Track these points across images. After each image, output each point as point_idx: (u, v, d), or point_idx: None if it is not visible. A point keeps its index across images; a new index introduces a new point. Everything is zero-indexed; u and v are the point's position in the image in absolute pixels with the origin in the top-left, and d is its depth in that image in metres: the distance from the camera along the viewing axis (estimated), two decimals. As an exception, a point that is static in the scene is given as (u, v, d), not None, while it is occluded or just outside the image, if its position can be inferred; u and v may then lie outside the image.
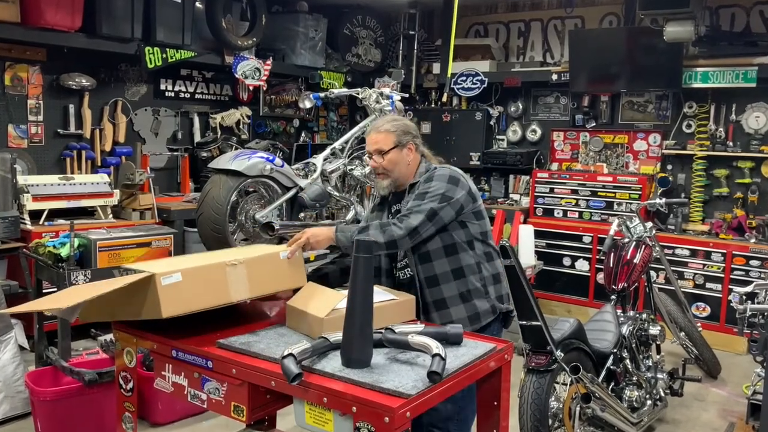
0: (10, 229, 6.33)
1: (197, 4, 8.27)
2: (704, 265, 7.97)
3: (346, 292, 2.94)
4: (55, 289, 5.31)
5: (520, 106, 10.05)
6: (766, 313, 5.24)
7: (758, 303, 5.60)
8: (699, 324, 6.79)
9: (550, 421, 4.40)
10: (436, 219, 3.72)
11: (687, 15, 7.67)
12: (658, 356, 5.70)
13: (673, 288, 6.90)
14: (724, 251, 7.84)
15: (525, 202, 9.55)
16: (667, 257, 7.34)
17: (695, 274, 8.02)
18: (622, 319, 5.38)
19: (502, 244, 4.16)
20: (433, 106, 10.55)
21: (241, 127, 9.24)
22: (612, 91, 9.15)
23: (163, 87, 8.55)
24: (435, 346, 2.82)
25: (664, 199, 6.43)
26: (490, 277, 3.90)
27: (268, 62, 8.90)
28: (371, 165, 3.99)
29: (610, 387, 5.01)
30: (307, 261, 6.07)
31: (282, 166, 5.83)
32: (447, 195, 3.75)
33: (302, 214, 6.10)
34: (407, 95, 7.75)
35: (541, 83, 9.65)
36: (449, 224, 3.77)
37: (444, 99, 10.13)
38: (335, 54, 10.21)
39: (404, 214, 3.75)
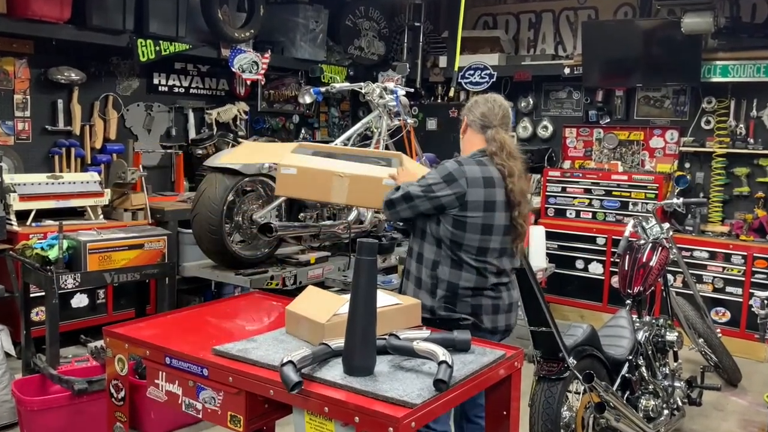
0: (-4, 231, 6.35)
1: (192, -5, 8.28)
2: (724, 268, 7.96)
3: (347, 296, 2.94)
4: (43, 294, 5.33)
5: (531, 102, 10.05)
6: (789, 319, 5.24)
7: (781, 308, 5.60)
8: (718, 330, 6.78)
9: (562, 432, 4.41)
10: (412, 204, 3.92)
11: (706, 6, 7.67)
12: (675, 364, 5.69)
13: (691, 292, 6.89)
14: (745, 253, 7.83)
15: (536, 201, 9.54)
16: (685, 260, 7.33)
17: (714, 277, 8.01)
18: (637, 324, 5.37)
19: (511, 245, 4.16)
20: (439, 101, 10.56)
21: (238, 123, 9.25)
22: (627, 85, 9.14)
23: (156, 81, 8.54)
24: (441, 353, 2.82)
25: (681, 199, 6.43)
26: (444, 282, 3.95)
27: (267, 55, 8.90)
28: None
29: (625, 396, 5.01)
30: (307, 263, 6.07)
31: (281, 164, 5.83)
32: (432, 188, 3.87)
33: (302, 215, 6.10)
34: (412, 90, 7.72)
35: (552, 77, 9.64)
36: (429, 214, 3.93)
37: (451, 94, 10.11)
38: (337, 47, 10.20)
39: (397, 187, 4.07)
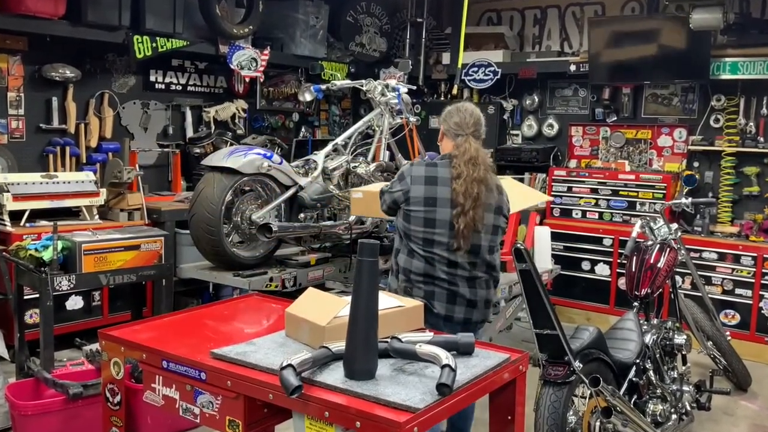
0: (-10, 231, 6.35)
1: (189, -10, 8.28)
2: (733, 269, 7.96)
3: (348, 298, 2.94)
4: (37, 296, 5.33)
5: (536, 99, 10.05)
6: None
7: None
8: (728, 333, 6.78)
9: (568, 437, 4.40)
10: (382, 199, 4.65)
11: (715, 1, 7.67)
12: (683, 367, 5.69)
13: (699, 294, 6.89)
14: (755, 254, 7.83)
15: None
16: (694, 261, 7.33)
17: (724, 279, 8.01)
18: (645, 327, 5.37)
19: (516, 246, 4.17)
20: (442, 99, 10.55)
21: (236, 121, 9.25)
22: (634, 82, 9.14)
23: (152, 78, 8.54)
24: (444, 357, 2.82)
25: (690, 199, 6.42)
26: (402, 268, 4.49)
27: (266, 52, 8.89)
28: None
29: (633, 400, 5.00)
30: (307, 264, 6.08)
31: (280, 163, 5.84)
32: (391, 185, 4.59)
33: (302, 215, 6.11)
34: (415, 87, 7.75)
35: (558, 74, 9.64)
36: (394, 208, 4.55)
37: (454, 91, 10.12)
38: (337, 43, 10.21)
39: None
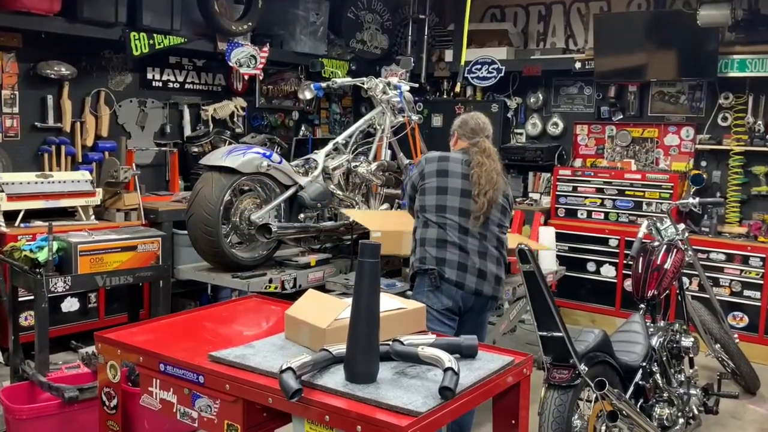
0: (-16, 232, 6.35)
1: (187, -14, 8.28)
2: (742, 270, 7.96)
3: (349, 300, 2.94)
4: (32, 297, 5.33)
5: (541, 97, 10.05)
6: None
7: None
8: (736, 335, 6.77)
9: (573, 442, 4.40)
10: (406, 194, 5.36)
11: (723, -3, 7.67)
12: (691, 370, 5.69)
13: (707, 296, 6.89)
14: (764, 255, 7.83)
15: (546, 201, 9.54)
16: (701, 262, 7.33)
17: (732, 280, 8.01)
18: (651, 329, 5.37)
19: (520, 247, 4.17)
20: (445, 97, 10.55)
21: (235, 119, 9.26)
22: (641, 80, 9.13)
23: (150, 76, 8.56)
24: (447, 360, 2.82)
25: (697, 199, 6.42)
26: (418, 240, 4.97)
27: (265, 49, 8.90)
28: None
29: (639, 404, 5.00)
30: (307, 265, 6.08)
31: (280, 162, 5.84)
32: (410, 175, 5.18)
33: (302, 215, 6.11)
34: (417, 85, 7.75)
35: (563, 72, 9.64)
36: (413, 197, 5.12)
37: (457, 89, 10.10)
38: (338, 40, 10.21)
39: None
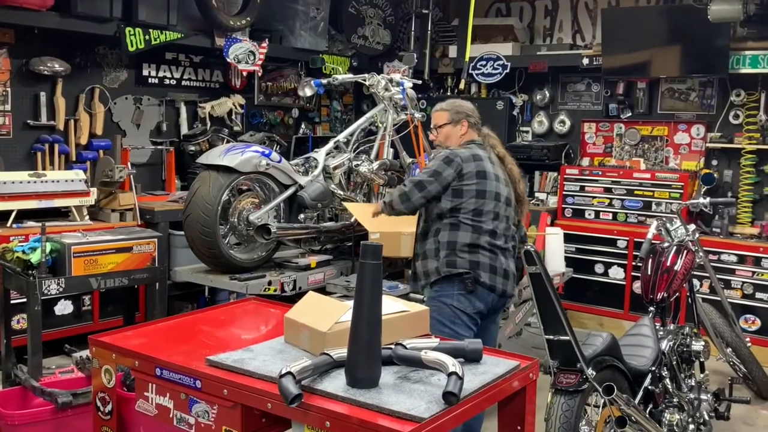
0: (-25, 232, 6.35)
1: (184, -20, 8.28)
2: (754, 272, 7.96)
3: (350, 303, 2.94)
4: (24, 300, 5.33)
5: (547, 94, 10.05)
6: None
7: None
8: (748, 339, 6.78)
9: (581, 448, 4.40)
10: (425, 191, 4.92)
11: (734, -9, 7.66)
12: (701, 375, 5.69)
13: (718, 298, 6.89)
14: (777, 257, 7.83)
15: (552, 201, 9.55)
16: (712, 264, 7.32)
17: (744, 282, 8.00)
18: (661, 333, 5.37)
19: (526, 249, 4.18)
20: (449, 93, 10.53)
21: (233, 117, 9.25)
22: (650, 77, 9.12)
23: (145, 73, 8.56)
24: (451, 364, 2.82)
25: (708, 199, 6.42)
26: (445, 243, 4.89)
27: (264, 45, 8.90)
28: (431, 137, 5.35)
29: (648, 409, 5.00)
30: (307, 268, 6.08)
31: (279, 161, 5.84)
32: (437, 171, 4.91)
33: (302, 216, 6.11)
34: (420, 82, 7.73)
35: (570, 68, 9.64)
36: (440, 196, 4.93)
37: (461, 86, 10.12)
38: (339, 35, 10.21)
39: (404, 182, 5.22)
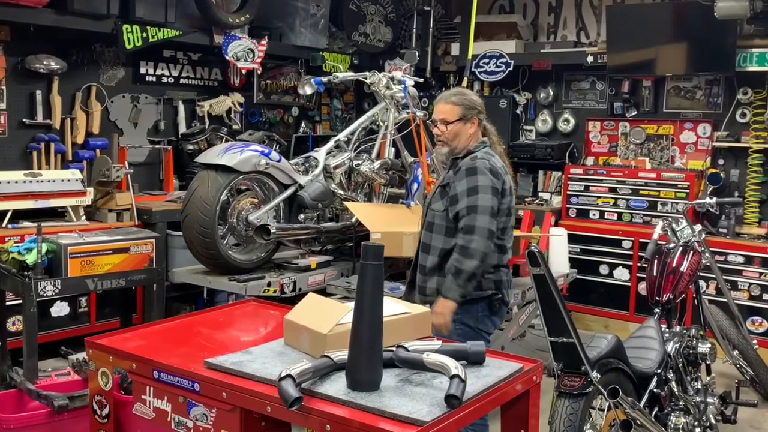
0: (-30, 233, 6.35)
1: (182, -23, 8.28)
2: (761, 273, 7.95)
3: (351, 305, 2.94)
4: (20, 302, 5.33)
5: (551, 93, 10.04)
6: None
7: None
8: (755, 341, 6.76)
9: (585, 452, 4.40)
10: (493, 212, 4.53)
11: (741, -12, 7.66)
12: (708, 378, 5.69)
13: (725, 300, 6.88)
14: (785, 258, 7.83)
15: (556, 201, 9.55)
16: (719, 265, 7.31)
17: (751, 283, 8.00)
18: (667, 335, 5.37)
19: (530, 249, 4.17)
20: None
21: (232, 116, 9.25)
22: (655, 75, 9.12)
23: (143, 70, 8.56)
24: (453, 366, 2.81)
25: (714, 199, 6.42)
26: (484, 264, 4.57)
27: (263, 42, 8.90)
28: (434, 132, 4.86)
29: (654, 413, 5.00)
30: (308, 269, 6.08)
31: (279, 160, 5.84)
32: (494, 188, 4.57)
33: (302, 216, 6.11)
34: (422, 80, 7.74)
35: (574, 66, 9.64)
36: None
37: (464, 84, 10.10)
38: (340, 33, 10.21)
39: (465, 220, 4.53)
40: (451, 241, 4.64)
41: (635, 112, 9.44)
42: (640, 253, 8.50)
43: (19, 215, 6.85)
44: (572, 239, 8.46)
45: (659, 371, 5.01)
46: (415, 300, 4.73)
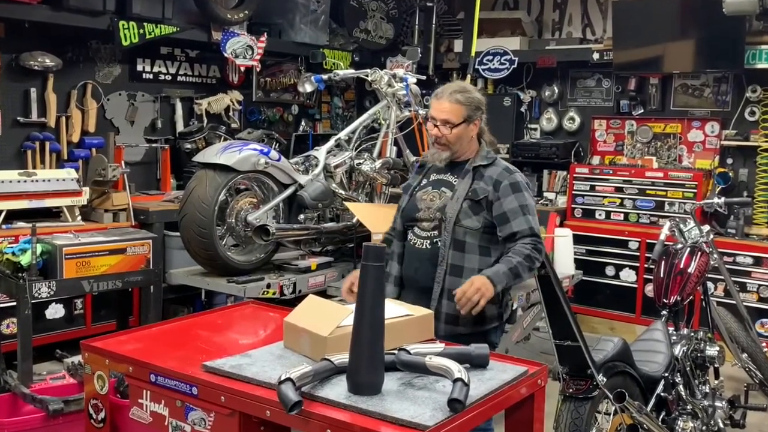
0: (-37, 233, 6.35)
1: (180, -28, 8.28)
2: (771, 275, 7.96)
3: (352, 307, 2.94)
4: (14, 304, 5.32)
5: (556, 90, 10.04)
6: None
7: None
8: (764, 344, 6.77)
9: (591, 457, 4.40)
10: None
11: (751, -17, 7.66)
12: (716, 381, 5.69)
13: (733, 302, 6.87)
14: (794, 259, 7.83)
15: (561, 201, 9.54)
16: (727, 266, 7.31)
17: (760, 285, 7.99)
18: (674, 338, 5.36)
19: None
20: (453, 89, 10.53)
21: (230, 114, 9.26)
22: (663, 72, 9.12)
23: (140, 68, 8.56)
24: (456, 370, 2.81)
25: (723, 199, 6.41)
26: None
27: (263, 39, 8.90)
28: (433, 132, 4.44)
29: (661, 417, 5.00)
30: (308, 270, 6.08)
31: (278, 159, 5.84)
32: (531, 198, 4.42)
33: (302, 216, 6.11)
34: (424, 77, 7.73)
35: (580, 63, 9.64)
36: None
37: (467, 82, 10.11)
38: (340, 29, 10.22)
39: (531, 241, 4.26)
40: (488, 261, 4.32)
41: (642, 110, 9.44)
42: (646, 254, 8.50)
43: (13, 215, 6.85)
44: (578, 240, 8.47)
45: (666, 375, 5.01)
46: (440, 333, 4.10)
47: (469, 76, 9.65)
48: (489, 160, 4.44)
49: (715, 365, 5.56)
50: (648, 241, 8.49)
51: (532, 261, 4.20)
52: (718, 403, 5.47)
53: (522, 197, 4.34)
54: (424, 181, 4.58)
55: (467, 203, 4.35)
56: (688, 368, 5.31)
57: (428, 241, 4.41)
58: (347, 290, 4.39)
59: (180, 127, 8.84)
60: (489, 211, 4.33)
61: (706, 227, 6.01)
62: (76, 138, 7.89)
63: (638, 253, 8.74)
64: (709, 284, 6.23)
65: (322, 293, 5.81)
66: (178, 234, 5.90)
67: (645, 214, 8.87)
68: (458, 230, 4.33)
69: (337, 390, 2.86)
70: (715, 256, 6.08)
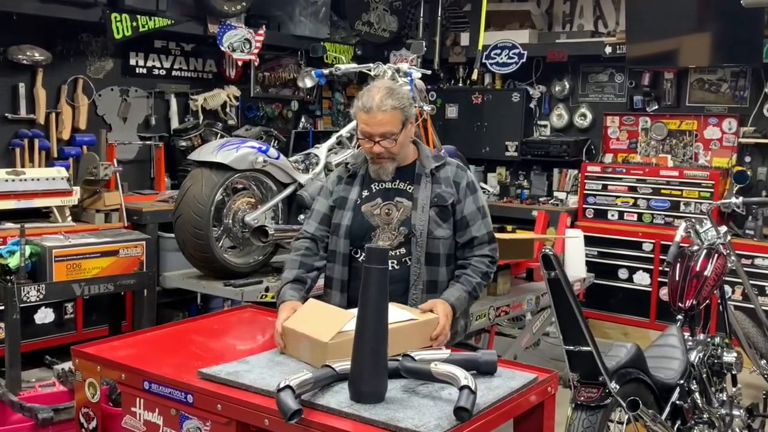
0: (-51, 235, 6.36)
1: (174, -38, 8.28)
2: (791, 278, 7.96)
3: (354, 311, 2.94)
4: (1, 308, 5.33)
5: (567, 86, 10.05)
6: None
7: None
8: (784, 350, 6.77)
9: (603, 468, 4.39)
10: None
11: (769, -26, 7.66)
12: (734, 389, 5.68)
13: (752, 306, 6.87)
14: (815, 261, 7.83)
15: (572, 201, 9.54)
16: (745, 268, 7.31)
17: (780, 289, 8.00)
18: (690, 343, 5.36)
19: (544, 252, 4.17)
20: (460, 85, 10.56)
21: (227, 110, 9.26)
22: (678, 66, 9.12)
23: (133, 62, 8.56)
24: (463, 377, 2.82)
25: (741, 198, 6.41)
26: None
27: (261, 32, 8.90)
28: (374, 151, 4.01)
29: (676, 426, 4.99)
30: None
31: (277, 157, 5.84)
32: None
33: (302, 216, 6.10)
34: (429, 72, 7.71)
35: (591, 57, 9.64)
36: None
37: (474, 77, 10.11)
38: (342, 22, 10.21)
39: (489, 249, 4.20)
40: (452, 269, 4.18)
41: (656, 107, 9.44)
42: (661, 257, 8.50)
43: (1, 216, 6.85)
44: (589, 241, 8.48)
45: (682, 382, 5.01)
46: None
47: (476, 71, 9.66)
48: (439, 160, 4.21)
49: (733, 372, 5.55)
50: (663, 242, 8.49)
51: (488, 278, 4.20)
52: (735, 412, 5.46)
53: (477, 198, 4.21)
54: (366, 193, 4.17)
55: (434, 211, 4.09)
56: (704, 375, 5.30)
57: (395, 261, 4.04)
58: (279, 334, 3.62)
59: (175, 123, 8.83)
60: (454, 216, 4.15)
61: (724, 228, 6.00)
62: (66, 135, 7.89)
63: (652, 256, 8.74)
64: (727, 288, 6.23)
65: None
66: (172, 235, 5.89)
67: (659, 214, 8.87)
68: (432, 243, 4.07)
69: (338, 398, 2.86)
70: (733, 258, 6.07)
